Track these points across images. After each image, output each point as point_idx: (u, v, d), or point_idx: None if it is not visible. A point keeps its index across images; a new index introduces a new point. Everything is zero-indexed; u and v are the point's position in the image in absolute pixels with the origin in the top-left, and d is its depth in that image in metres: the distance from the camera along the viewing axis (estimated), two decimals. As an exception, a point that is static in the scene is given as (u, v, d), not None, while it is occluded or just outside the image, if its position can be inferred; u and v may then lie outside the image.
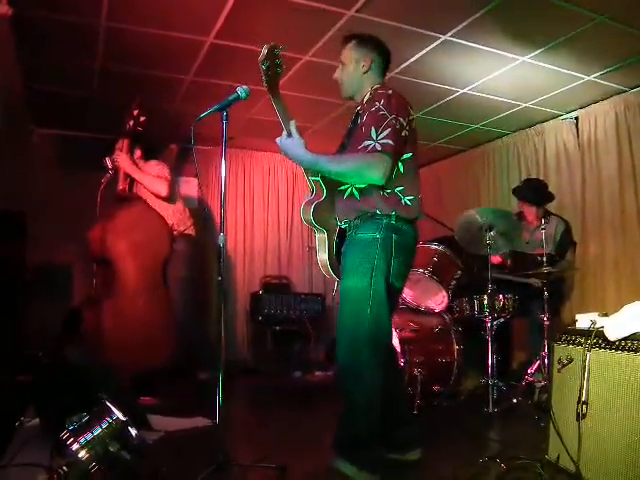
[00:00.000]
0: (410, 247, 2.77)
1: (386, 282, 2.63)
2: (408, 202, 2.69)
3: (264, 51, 2.59)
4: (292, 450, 3.23)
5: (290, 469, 2.74)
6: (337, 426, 2.65)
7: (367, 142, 2.57)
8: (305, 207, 2.82)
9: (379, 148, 2.53)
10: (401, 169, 2.68)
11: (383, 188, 2.64)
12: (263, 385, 6.04)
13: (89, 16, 4.07)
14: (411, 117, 2.72)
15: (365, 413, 2.55)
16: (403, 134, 2.62)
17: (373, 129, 2.57)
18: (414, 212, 2.73)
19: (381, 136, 2.54)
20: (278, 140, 2.70)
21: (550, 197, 5.27)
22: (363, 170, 2.57)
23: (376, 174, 2.54)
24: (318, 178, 2.82)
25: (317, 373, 6.58)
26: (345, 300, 2.68)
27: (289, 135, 2.67)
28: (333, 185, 2.80)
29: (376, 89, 2.74)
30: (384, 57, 2.93)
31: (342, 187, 2.77)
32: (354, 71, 2.88)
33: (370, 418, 2.55)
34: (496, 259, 5.11)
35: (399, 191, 2.67)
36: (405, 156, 2.69)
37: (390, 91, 2.67)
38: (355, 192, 2.72)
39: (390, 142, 2.53)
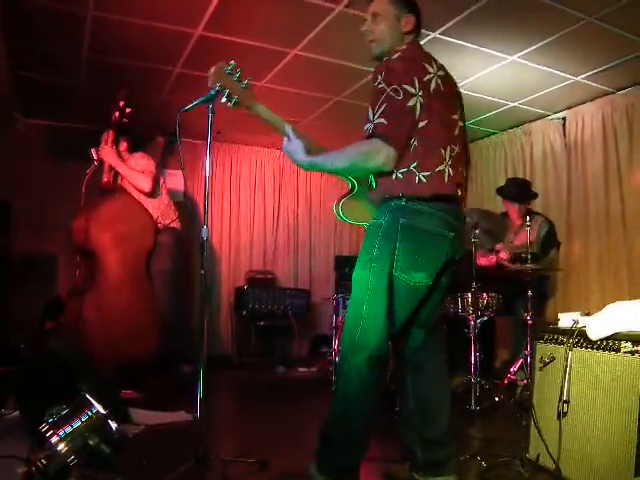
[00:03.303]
0: (430, 231, 2.30)
1: (388, 275, 2.25)
2: (423, 179, 2.27)
3: (210, 76, 2.47)
4: (274, 446, 3.21)
5: (271, 464, 2.73)
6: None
7: (365, 126, 2.28)
8: (335, 203, 2.64)
9: (370, 131, 2.24)
10: (415, 141, 2.28)
11: (397, 167, 2.28)
12: (246, 380, 6.03)
13: (76, 4, 4.03)
14: (428, 77, 2.30)
15: (342, 422, 2.31)
16: (411, 103, 2.23)
17: (370, 109, 2.27)
18: (430, 189, 2.28)
19: (376, 116, 2.23)
20: (283, 146, 2.49)
21: (533, 195, 5.29)
22: (359, 163, 2.29)
23: (375, 163, 2.25)
24: None
25: (300, 369, 6.57)
26: (351, 294, 2.39)
27: (288, 139, 2.46)
28: (362, 177, 2.57)
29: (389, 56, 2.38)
30: (419, 15, 2.56)
31: (370, 177, 2.48)
32: (392, 28, 2.48)
33: (347, 429, 2.30)
34: (490, 261, 5.14)
35: (414, 167, 2.28)
36: (419, 125, 2.27)
37: (396, 55, 2.32)
38: (377, 179, 2.42)
39: (383, 121, 2.21)
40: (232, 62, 2.51)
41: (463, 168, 2.45)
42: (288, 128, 2.49)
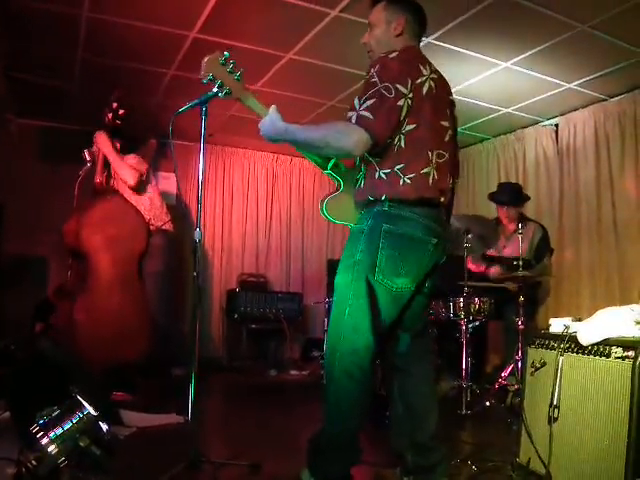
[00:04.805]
0: (412, 237, 2.29)
1: (370, 280, 2.24)
2: (407, 181, 2.25)
3: (203, 66, 2.49)
4: (265, 449, 3.21)
5: (263, 467, 2.73)
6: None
7: (348, 113, 2.24)
8: (321, 200, 2.62)
9: (353, 120, 2.19)
10: (402, 143, 2.27)
11: (380, 167, 2.30)
12: (238, 383, 6.02)
13: (71, 6, 4.03)
14: (421, 80, 2.29)
15: (336, 427, 2.31)
16: (399, 103, 2.22)
17: (357, 99, 2.25)
18: (415, 191, 2.26)
19: (362, 107, 2.20)
20: (259, 126, 2.39)
21: (525, 198, 5.29)
22: (330, 138, 2.23)
23: (345, 143, 2.19)
24: (330, 171, 2.62)
25: (292, 372, 6.58)
26: (334, 298, 2.38)
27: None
28: (349, 177, 2.56)
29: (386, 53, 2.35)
30: (418, 17, 2.52)
31: (357, 176, 2.45)
32: (384, 34, 2.49)
33: (341, 433, 2.30)
34: (479, 268, 5.12)
35: (399, 169, 2.27)
36: (407, 128, 2.27)
37: (394, 54, 2.29)
38: (362, 179, 2.41)
39: (368, 115, 2.17)
40: (226, 53, 2.53)
41: (450, 177, 2.43)
42: (273, 107, 2.39)
